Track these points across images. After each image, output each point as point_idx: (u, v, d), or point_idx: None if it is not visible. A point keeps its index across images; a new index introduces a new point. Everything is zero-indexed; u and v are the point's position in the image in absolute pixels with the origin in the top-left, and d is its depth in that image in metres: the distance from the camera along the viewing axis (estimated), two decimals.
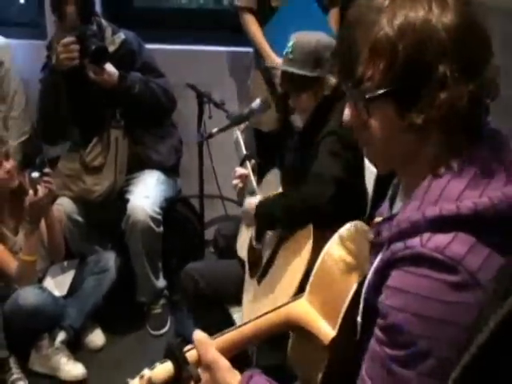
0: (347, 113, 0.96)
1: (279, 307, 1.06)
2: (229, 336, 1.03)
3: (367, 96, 0.89)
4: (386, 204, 1.11)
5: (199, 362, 0.96)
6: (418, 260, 0.84)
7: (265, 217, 1.89)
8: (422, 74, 0.85)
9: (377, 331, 0.90)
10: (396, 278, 0.87)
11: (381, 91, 0.87)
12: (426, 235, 0.84)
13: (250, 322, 1.06)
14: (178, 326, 2.73)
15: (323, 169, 1.80)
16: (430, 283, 0.83)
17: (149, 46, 2.81)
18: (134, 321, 2.78)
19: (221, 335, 1.02)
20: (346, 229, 1.09)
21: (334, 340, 1.00)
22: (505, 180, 0.87)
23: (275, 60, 2.56)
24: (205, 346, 0.97)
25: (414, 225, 0.86)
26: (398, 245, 0.87)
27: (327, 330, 1.00)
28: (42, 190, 2.34)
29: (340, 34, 0.96)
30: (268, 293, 1.84)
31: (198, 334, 0.99)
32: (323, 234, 1.72)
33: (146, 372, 0.94)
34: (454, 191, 0.86)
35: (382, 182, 1.66)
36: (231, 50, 3.04)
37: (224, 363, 0.97)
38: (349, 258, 1.03)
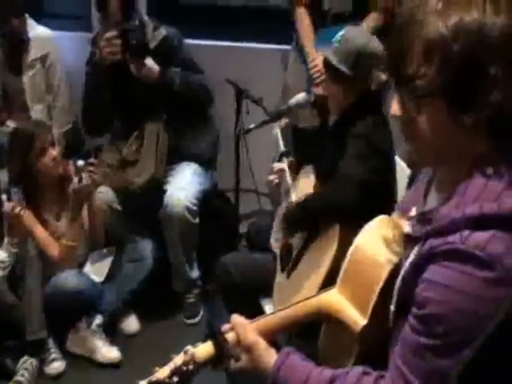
0: (395, 107, 0.97)
1: (311, 297, 1.11)
2: (264, 322, 1.08)
3: (419, 94, 0.90)
4: (407, 199, 1.14)
5: (238, 343, 1.01)
6: (458, 256, 0.87)
7: (292, 223, 1.95)
8: (474, 75, 0.86)
9: (412, 320, 0.93)
10: (435, 271, 0.90)
11: (433, 90, 0.89)
12: (466, 232, 0.87)
13: (284, 309, 1.10)
14: (210, 315, 2.79)
15: (349, 171, 1.83)
16: (470, 279, 0.86)
17: (191, 42, 2.87)
18: (169, 309, 2.85)
19: (256, 321, 1.07)
20: (374, 222, 1.12)
21: (364, 328, 1.04)
22: None
23: (315, 57, 2.59)
24: (243, 328, 1.02)
25: (454, 221, 0.89)
26: (437, 241, 0.90)
27: (358, 319, 1.04)
28: (86, 179, 2.42)
29: (393, 30, 0.98)
30: (296, 286, 1.89)
31: (237, 318, 1.04)
32: (349, 233, 1.77)
33: (190, 348, 0.99)
34: (494, 190, 0.89)
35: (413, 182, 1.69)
36: (271, 47, 3.08)
37: (262, 343, 1.02)
38: (377, 250, 1.06)
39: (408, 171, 1.96)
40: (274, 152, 2.35)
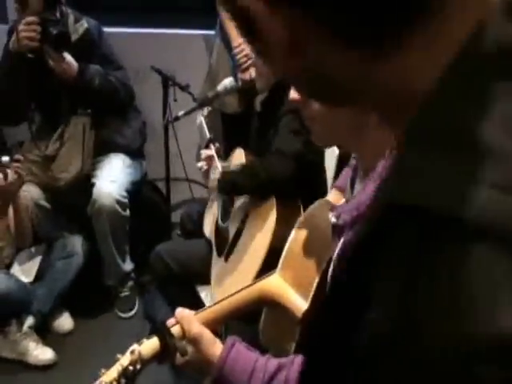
0: (292, 93, 1.00)
1: (253, 283, 1.11)
2: (208, 312, 1.07)
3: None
4: (343, 176, 1.16)
5: (184, 335, 1.00)
6: None
7: (229, 184, 1.94)
8: None
9: None
10: None
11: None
12: None
13: (227, 298, 1.10)
14: (147, 307, 2.76)
15: (284, 146, 1.85)
16: None
17: (113, 30, 2.80)
18: (103, 304, 2.80)
19: (201, 311, 1.06)
20: (315, 206, 1.13)
21: (306, 313, 1.05)
22: None
23: (240, 42, 2.58)
24: (188, 320, 1.01)
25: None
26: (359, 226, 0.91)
27: (300, 303, 1.05)
28: (11, 175, 2.32)
29: None
30: (236, 268, 1.89)
31: (182, 311, 1.03)
32: (286, 209, 1.80)
33: (136, 347, 0.97)
34: None
35: (342, 163, 1.72)
36: (195, 32, 3.04)
37: (208, 335, 1.01)
38: (318, 235, 1.07)
39: (337, 150, 2.00)
40: (199, 140, 2.34)
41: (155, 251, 2.26)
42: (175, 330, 1.00)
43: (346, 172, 1.17)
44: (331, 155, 2.00)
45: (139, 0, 3.24)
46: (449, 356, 0.34)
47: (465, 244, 0.35)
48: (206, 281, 2.09)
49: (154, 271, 2.31)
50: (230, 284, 1.86)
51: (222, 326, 1.85)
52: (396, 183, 0.41)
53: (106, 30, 2.75)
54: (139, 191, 2.84)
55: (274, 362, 1.00)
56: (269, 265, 1.36)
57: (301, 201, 1.82)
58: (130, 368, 0.93)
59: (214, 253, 2.11)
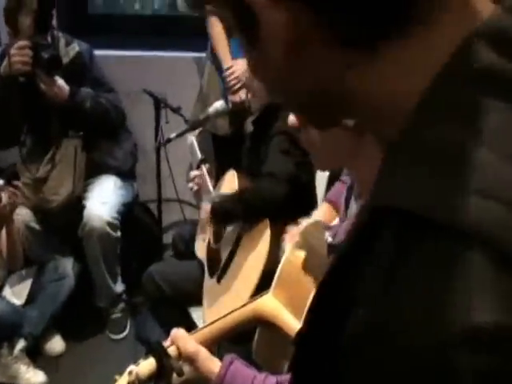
0: (291, 116, 1.03)
1: (247, 303, 1.12)
2: (203, 332, 1.08)
3: None
4: (334, 190, 1.18)
5: (179, 355, 1.01)
6: None
7: (222, 214, 1.93)
8: None
9: None
10: None
11: None
12: None
13: (221, 318, 1.11)
14: (139, 329, 2.75)
15: (276, 167, 1.86)
16: None
17: (104, 53, 2.82)
18: (94, 326, 2.79)
19: (195, 332, 1.07)
20: (309, 226, 1.15)
21: (299, 332, 1.06)
22: None
23: (230, 64, 2.62)
24: (183, 339, 1.02)
25: None
26: None
27: (294, 324, 1.07)
28: (5, 199, 2.33)
29: None
30: (229, 289, 1.90)
31: (177, 331, 1.04)
32: (279, 230, 1.81)
33: (133, 368, 0.98)
34: None
35: (333, 182, 1.75)
36: (186, 55, 3.08)
37: (204, 353, 1.02)
38: (312, 255, 1.09)
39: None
40: (191, 161, 2.36)
41: (147, 273, 2.26)
42: (171, 350, 1.01)
43: (339, 187, 1.20)
44: (322, 173, 2.03)
45: (130, 23, 3.28)
46: (426, 345, 0.35)
47: (442, 243, 0.37)
48: (199, 302, 2.10)
49: (146, 293, 2.31)
50: (223, 305, 1.86)
51: (215, 347, 1.85)
52: (379, 188, 0.43)
53: (98, 52, 2.77)
54: (131, 213, 2.85)
55: (272, 380, 1.01)
56: (263, 286, 1.37)
57: (293, 220, 1.84)
58: None
59: (207, 274, 2.11)
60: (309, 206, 1.84)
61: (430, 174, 0.39)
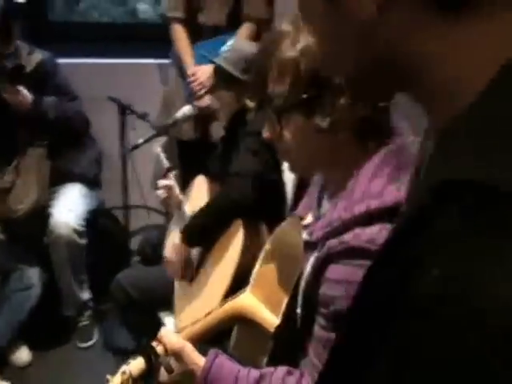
0: (265, 131, 1.09)
1: (226, 302, 1.16)
2: (186, 332, 1.11)
3: (278, 111, 1.02)
4: (303, 205, 1.23)
5: (167, 352, 1.04)
6: (353, 252, 0.95)
7: (197, 233, 1.94)
8: (321, 84, 0.98)
9: (320, 320, 1.00)
10: (335, 270, 0.98)
11: (289, 105, 1.01)
12: (357, 230, 0.96)
13: (201, 319, 1.15)
14: (107, 336, 2.75)
15: (244, 166, 1.89)
16: (363, 271, 0.94)
17: (68, 61, 2.81)
18: (61, 335, 2.76)
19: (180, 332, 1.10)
20: (285, 224, 1.19)
21: (277, 328, 1.10)
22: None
23: (194, 71, 2.65)
24: (169, 336, 1.05)
25: (344, 222, 0.97)
26: (333, 241, 0.98)
27: (272, 319, 1.11)
28: None
29: (252, 61, 1.10)
30: (202, 291, 1.91)
31: (164, 330, 1.08)
32: (250, 229, 1.84)
33: (125, 367, 1.01)
34: (376, 188, 0.98)
35: (303, 183, 1.79)
36: (149, 62, 3.09)
37: (189, 348, 1.05)
38: (288, 253, 1.13)
39: None
40: (156, 170, 2.37)
41: (115, 280, 2.25)
42: (159, 349, 1.04)
43: (306, 202, 1.25)
44: (289, 175, 2.08)
45: (91, 31, 3.27)
46: (503, 306, 0.37)
47: None
48: (169, 307, 2.11)
49: (114, 299, 2.30)
50: (196, 308, 1.88)
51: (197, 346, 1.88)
52: (451, 162, 0.43)
53: (61, 61, 2.77)
54: (96, 220, 2.84)
55: (256, 372, 1.05)
56: (236, 286, 1.40)
57: (263, 218, 1.87)
58: None
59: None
60: (278, 205, 1.88)
61: (505, 148, 0.40)
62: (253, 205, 1.82)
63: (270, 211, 1.82)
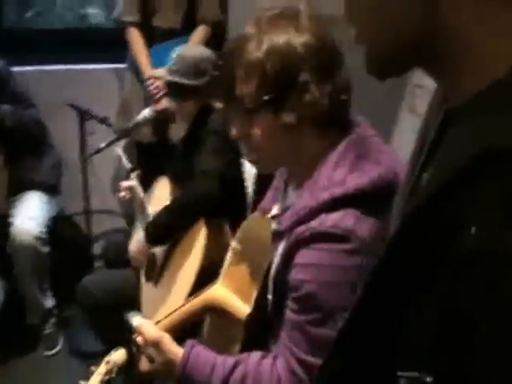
0: (233, 130, 1.14)
1: (199, 294, 1.20)
2: (162, 324, 1.15)
3: (247, 110, 1.07)
4: (267, 199, 1.29)
5: (146, 342, 1.08)
6: (320, 237, 1.01)
7: (162, 233, 1.95)
8: (287, 83, 1.05)
9: (291, 304, 1.06)
10: (303, 255, 1.04)
11: (257, 104, 1.06)
12: (322, 216, 1.02)
13: (174, 311, 1.19)
14: (73, 342, 2.75)
15: (207, 166, 1.92)
16: (332, 254, 1.01)
17: (23, 69, 2.80)
18: (26, 344, 2.74)
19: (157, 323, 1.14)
20: (251, 218, 1.25)
21: (249, 316, 1.15)
22: (377, 161, 1.08)
23: (151, 74, 2.68)
24: (147, 327, 1.09)
25: (311, 210, 1.03)
26: (300, 228, 1.04)
27: (243, 308, 1.16)
28: None
29: (219, 64, 1.15)
30: (168, 291, 1.94)
31: (143, 322, 1.11)
32: (213, 226, 1.88)
33: (109, 358, 1.04)
34: (339, 177, 1.05)
35: (262, 180, 1.85)
36: (107, 67, 3.10)
37: (167, 338, 1.09)
38: (256, 244, 1.19)
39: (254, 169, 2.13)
40: (115, 172, 2.38)
41: (81, 284, 2.26)
42: (139, 340, 1.07)
43: (270, 195, 1.31)
44: (249, 169, 2.14)
45: (47, 37, 3.25)
46: None
47: None
48: (136, 308, 2.13)
49: (81, 304, 2.30)
50: (163, 307, 1.90)
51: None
52: (490, 132, 0.46)
53: (17, 69, 2.75)
54: (57, 227, 2.83)
55: (231, 359, 1.10)
56: (201, 283, 1.44)
57: (226, 215, 1.91)
58: (107, 376, 1.00)
59: (143, 279, 2.15)
60: (241, 202, 1.93)
61: None
62: (218, 202, 1.86)
63: (233, 208, 1.87)
